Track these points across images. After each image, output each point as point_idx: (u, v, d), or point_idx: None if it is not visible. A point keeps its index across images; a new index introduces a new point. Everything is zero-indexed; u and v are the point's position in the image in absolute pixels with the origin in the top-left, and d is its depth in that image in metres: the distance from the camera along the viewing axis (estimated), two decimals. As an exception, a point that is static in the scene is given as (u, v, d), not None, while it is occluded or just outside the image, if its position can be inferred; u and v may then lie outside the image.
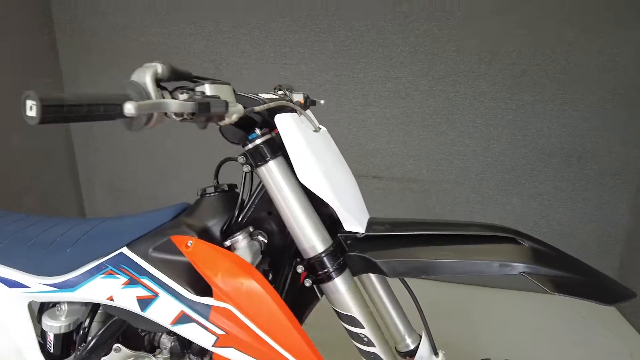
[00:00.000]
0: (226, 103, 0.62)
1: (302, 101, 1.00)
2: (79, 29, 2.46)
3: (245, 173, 0.81)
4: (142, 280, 0.77)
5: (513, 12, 1.94)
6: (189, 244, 0.75)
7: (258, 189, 0.84)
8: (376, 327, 0.78)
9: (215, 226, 0.81)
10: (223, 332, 0.72)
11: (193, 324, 0.74)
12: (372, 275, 0.90)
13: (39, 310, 0.93)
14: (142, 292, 0.77)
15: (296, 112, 0.78)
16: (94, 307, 0.91)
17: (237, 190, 0.87)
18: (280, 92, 1.00)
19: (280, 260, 0.85)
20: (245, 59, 2.27)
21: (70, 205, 2.67)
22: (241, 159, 0.78)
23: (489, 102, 2.06)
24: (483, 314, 2.03)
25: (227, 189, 0.86)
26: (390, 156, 2.23)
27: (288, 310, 0.70)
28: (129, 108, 0.52)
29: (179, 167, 2.53)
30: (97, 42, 2.45)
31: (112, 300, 0.79)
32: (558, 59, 1.96)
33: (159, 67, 0.61)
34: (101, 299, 0.81)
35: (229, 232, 0.82)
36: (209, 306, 0.73)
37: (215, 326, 0.72)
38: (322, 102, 1.13)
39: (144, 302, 0.77)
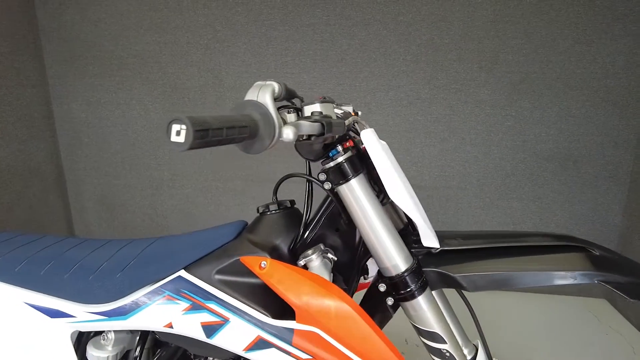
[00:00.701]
0: (344, 122, 0.61)
1: (353, 113, 0.99)
2: (67, 37, 2.36)
3: (309, 190, 0.80)
4: (207, 305, 0.74)
5: (511, 23, 2.00)
6: (262, 265, 0.72)
7: (325, 205, 0.82)
8: (456, 343, 0.78)
9: (283, 245, 0.78)
10: (309, 357, 0.70)
11: (273, 350, 0.71)
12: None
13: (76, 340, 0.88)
14: (208, 318, 0.73)
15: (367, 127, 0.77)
16: (143, 334, 0.87)
17: (295, 206, 0.85)
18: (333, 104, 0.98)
19: (347, 278, 0.84)
20: (245, 67, 2.24)
21: (59, 221, 2.54)
22: (322, 177, 0.76)
23: (489, 109, 2.11)
24: (481, 315, 2.07)
25: (289, 205, 0.84)
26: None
27: (380, 331, 0.69)
28: (288, 133, 0.50)
29: (174, 179, 2.46)
30: (87, 52, 2.36)
31: (170, 327, 0.75)
32: (554, 67, 2.03)
33: (276, 87, 0.59)
34: (158, 326, 0.76)
35: (293, 250, 0.80)
36: (291, 330, 0.70)
37: (300, 350, 0.70)
38: (359, 113, 1.13)
39: (211, 329, 0.73)
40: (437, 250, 0.78)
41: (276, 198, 0.86)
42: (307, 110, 0.65)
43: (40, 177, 2.41)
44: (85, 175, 2.55)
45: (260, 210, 0.83)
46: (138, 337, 0.86)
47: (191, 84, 2.30)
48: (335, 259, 0.80)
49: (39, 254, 0.86)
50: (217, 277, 0.75)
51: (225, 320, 0.73)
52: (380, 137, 2.18)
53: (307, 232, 0.81)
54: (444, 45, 2.07)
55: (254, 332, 0.71)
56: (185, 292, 0.75)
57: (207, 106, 2.31)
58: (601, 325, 2.03)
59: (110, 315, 0.78)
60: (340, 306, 0.68)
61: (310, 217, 0.82)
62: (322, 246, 0.79)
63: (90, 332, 0.86)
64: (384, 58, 2.13)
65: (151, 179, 2.47)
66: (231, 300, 0.73)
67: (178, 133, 0.45)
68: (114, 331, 0.83)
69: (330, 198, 0.81)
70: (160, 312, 0.76)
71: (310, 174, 0.83)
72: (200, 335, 0.74)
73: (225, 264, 0.76)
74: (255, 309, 0.72)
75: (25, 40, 2.28)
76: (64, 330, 0.81)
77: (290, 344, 0.70)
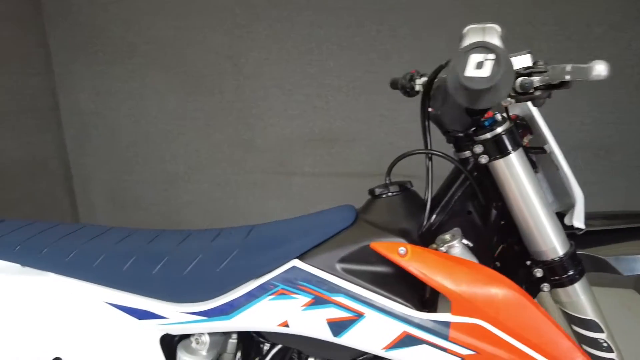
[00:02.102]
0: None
1: None
2: (74, 22, 2.21)
3: (429, 168, 0.72)
4: (334, 299, 0.64)
5: (543, 9, 1.93)
6: (401, 251, 0.63)
7: (456, 186, 0.74)
8: (611, 332, 0.71)
9: (412, 229, 0.69)
10: (472, 352, 0.61)
11: (424, 347, 0.62)
12: None
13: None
14: (337, 314, 0.64)
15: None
16: (241, 336, 0.77)
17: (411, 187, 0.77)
18: None
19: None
20: (266, 54, 2.13)
21: (66, 219, 2.40)
22: (478, 149, 0.67)
23: (522, 97, 2.04)
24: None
25: (409, 186, 0.76)
26: (423, 155, 2.16)
27: (556, 322, 0.61)
28: (601, 69, 0.44)
29: (190, 173, 2.34)
30: (96, 38, 2.22)
31: (286, 326, 0.66)
32: (587, 54, 1.97)
33: (499, 28, 0.52)
34: (270, 326, 0.67)
35: (421, 235, 0.71)
36: (447, 323, 0.62)
37: (460, 346, 0.61)
38: None
39: (339, 326, 0.64)
40: (581, 232, 0.70)
41: (390, 179, 0.77)
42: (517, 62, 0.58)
43: (47, 172, 2.27)
44: (94, 170, 2.41)
45: (377, 193, 0.74)
46: (235, 340, 0.76)
47: (208, 72, 2.18)
48: (471, 244, 0.71)
49: (116, 247, 0.76)
50: (342, 266, 0.67)
51: (359, 315, 0.64)
52: (412, 127, 2.10)
53: (434, 216, 0.72)
54: (477, 31, 1.99)
55: (398, 328, 0.62)
56: (304, 284, 0.66)
57: (226, 95, 2.20)
58: (633, 316, 1.99)
59: (209, 315, 0.69)
60: (510, 294, 0.60)
61: (432, 198, 0.73)
62: (459, 231, 0.70)
63: (175, 335, 0.76)
64: (414, 44, 2.04)
65: (165, 174, 2.35)
66: (365, 292, 0.64)
67: (480, 65, 0.36)
68: (209, 333, 0.73)
69: (462, 177, 0.73)
70: (273, 309, 0.66)
71: (430, 148, 0.74)
72: (325, 334, 0.65)
73: (350, 251, 0.67)
74: (396, 301, 0.64)
75: (29, 26, 2.13)
76: (153, 333, 0.71)
77: (446, 339, 0.61)
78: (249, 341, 0.78)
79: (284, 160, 2.26)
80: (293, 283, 0.66)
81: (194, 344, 0.74)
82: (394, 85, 1.07)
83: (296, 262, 0.68)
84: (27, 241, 0.77)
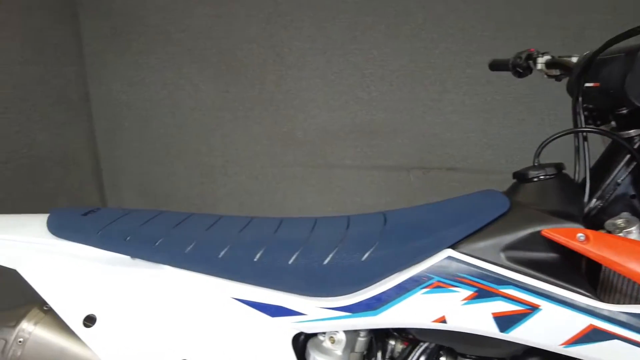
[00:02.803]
0: None
1: None
2: (107, 10, 2.13)
3: (585, 148, 0.67)
4: (502, 291, 0.59)
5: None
6: (580, 237, 0.58)
7: (619, 167, 0.69)
8: None
9: (578, 213, 0.64)
10: None
11: (615, 342, 0.56)
12: None
13: None
14: (505, 307, 0.59)
15: None
16: (378, 333, 0.71)
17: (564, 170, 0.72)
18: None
19: None
20: (309, 43, 2.07)
21: (95, 214, 2.33)
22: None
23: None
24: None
25: (562, 168, 0.71)
26: (467, 146, 2.12)
27: None
28: None
29: (227, 166, 2.27)
30: (130, 26, 2.14)
31: (442, 322, 0.61)
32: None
33: None
34: (424, 322, 0.61)
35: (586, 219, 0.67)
36: None
37: None
38: None
39: (508, 320, 0.59)
40: None
41: (539, 160, 0.72)
42: None
43: (78, 165, 2.19)
44: (124, 164, 2.34)
45: (531, 176, 0.69)
46: (364, 338, 0.70)
47: (248, 62, 2.12)
48: None
49: (241, 237, 0.70)
50: (507, 255, 0.61)
51: (534, 309, 0.58)
52: (456, 118, 2.05)
53: (594, 200, 0.68)
54: (525, 21, 1.95)
55: (582, 321, 0.57)
56: (464, 276, 0.60)
57: (266, 86, 2.13)
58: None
59: (354, 310, 0.63)
60: None
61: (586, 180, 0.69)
62: (630, 215, 0.65)
63: (302, 333, 0.70)
64: (461, 33, 2.00)
65: (201, 166, 2.28)
66: (538, 283, 0.59)
67: None
68: (344, 331, 0.67)
69: (625, 157, 0.68)
70: (428, 304, 0.61)
71: (581, 126, 0.69)
72: (491, 330, 0.59)
73: (517, 239, 0.61)
74: (577, 292, 0.58)
75: (62, 14, 2.05)
76: (286, 332, 0.65)
77: None
78: (380, 339, 0.72)
79: (324, 152, 2.20)
80: (451, 275, 0.61)
81: (326, 343, 0.67)
82: (497, 66, 1.02)
83: (450, 252, 0.62)
84: (136, 231, 0.71)
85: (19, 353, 0.70)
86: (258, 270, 0.66)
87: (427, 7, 1.98)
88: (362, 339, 0.70)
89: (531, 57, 0.84)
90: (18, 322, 0.72)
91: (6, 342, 0.70)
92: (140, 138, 2.28)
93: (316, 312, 0.64)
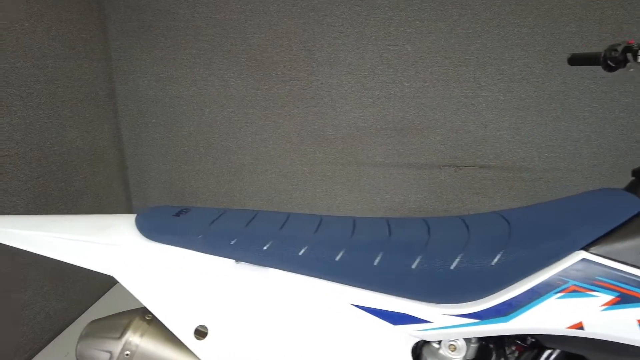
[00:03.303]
0: None
1: None
2: (135, 5, 2.10)
3: None
4: None
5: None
6: None
7: None
8: None
9: None
10: None
11: None
12: None
13: None
14: None
15: None
16: (497, 340, 0.68)
17: None
18: None
19: None
20: (343, 39, 2.04)
21: (120, 211, 2.29)
22: None
23: (606, 85, 1.99)
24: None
25: None
26: (500, 144, 2.10)
27: None
28: None
29: (256, 164, 2.24)
30: (158, 21, 2.10)
31: (579, 328, 0.58)
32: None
33: None
34: (559, 327, 0.59)
35: None
36: None
37: None
38: None
39: None
40: None
41: None
42: None
43: (105, 162, 2.15)
44: (150, 161, 2.30)
45: None
46: (476, 344, 0.67)
47: (280, 58, 2.09)
48: None
49: (356, 240, 0.66)
50: None
51: None
52: (490, 115, 2.02)
53: None
54: (563, 16, 1.93)
55: None
56: (603, 279, 0.58)
57: (297, 83, 2.11)
58: None
59: (483, 317, 0.60)
60: None
61: None
62: None
63: (419, 341, 0.67)
64: (497, 30, 1.98)
65: (230, 164, 2.25)
66: None
67: None
68: (465, 338, 0.64)
69: None
70: (563, 309, 0.58)
71: None
72: (635, 337, 0.57)
73: None
74: None
75: (89, 8, 2.01)
76: (407, 340, 0.62)
77: None
78: (497, 345, 0.69)
79: (355, 150, 2.18)
80: (588, 278, 0.58)
81: (444, 350, 0.64)
82: (579, 60, 0.99)
83: (584, 254, 0.60)
84: (242, 233, 0.67)
85: None
86: (378, 275, 0.62)
87: (463, 3, 1.95)
88: (473, 345, 0.67)
89: (630, 50, 0.80)
90: (122, 333, 0.68)
91: (111, 354, 0.66)
92: (167, 135, 2.24)
93: (442, 320, 0.61)
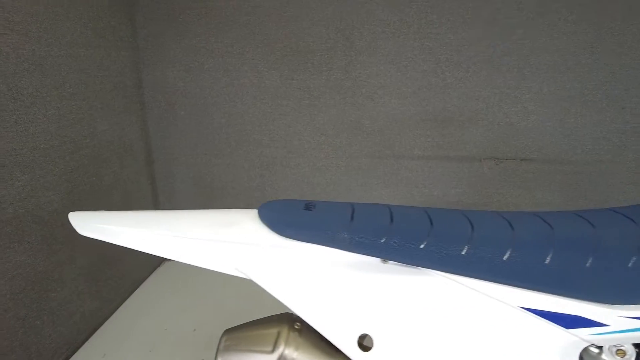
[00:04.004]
0: None
1: None
2: (165, -9, 2.01)
3: None
4: None
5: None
6: None
7: None
8: None
9: None
10: None
11: None
12: None
13: None
14: None
15: None
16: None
17: None
18: None
19: None
20: (382, 27, 1.97)
21: (148, 208, 2.21)
22: None
23: (654, 75, 1.94)
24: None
25: None
26: (543, 136, 2.04)
27: None
28: None
29: (289, 157, 2.17)
30: (189, 8, 2.02)
31: None
32: None
33: None
34: None
35: None
36: None
37: None
38: None
39: None
40: None
41: None
42: None
43: (133, 156, 2.07)
44: (178, 155, 2.22)
45: None
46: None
47: (316, 47, 2.01)
48: None
49: (518, 238, 0.59)
50: None
51: None
52: (533, 106, 1.96)
53: None
54: (612, 4, 1.87)
55: None
56: None
57: (334, 72, 2.03)
58: None
59: None
60: None
61: None
62: None
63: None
64: (542, 18, 1.91)
65: (262, 157, 2.18)
66: None
67: None
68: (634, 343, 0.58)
69: None
70: None
71: None
72: None
73: None
74: None
75: (118, -7, 1.92)
76: (578, 345, 0.56)
77: None
78: None
79: (392, 142, 2.11)
80: None
81: (609, 356, 0.58)
82: None
83: None
84: (391, 231, 0.59)
85: None
86: (550, 274, 0.56)
87: (508, -10, 1.89)
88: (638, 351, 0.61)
89: None
90: (275, 346, 0.60)
91: None
92: (196, 128, 2.16)
93: (620, 323, 0.55)
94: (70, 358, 1.64)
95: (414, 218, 0.63)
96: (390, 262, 0.60)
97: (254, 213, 0.67)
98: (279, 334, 0.61)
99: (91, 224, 0.59)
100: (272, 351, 0.60)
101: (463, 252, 0.57)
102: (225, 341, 0.63)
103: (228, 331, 0.65)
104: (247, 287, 2.10)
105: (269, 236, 0.60)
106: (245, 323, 0.66)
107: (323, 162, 2.16)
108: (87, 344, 1.73)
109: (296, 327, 0.63)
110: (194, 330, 1.79)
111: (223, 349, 0.62)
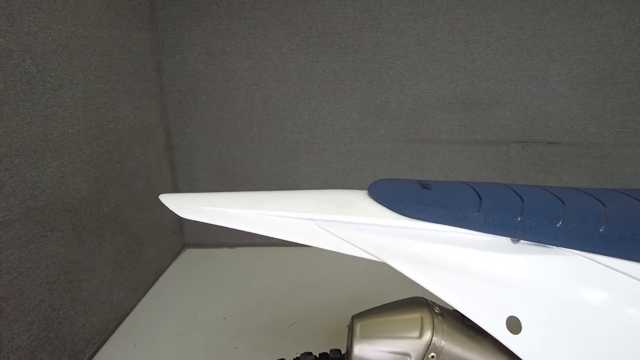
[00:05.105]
0: None
1: None
2: (186, -30, 1.93)
3: None
4: None
5: None
6: None
7: None
8: None
9: None
10: None
11: None
12: None
13: None
14: None
15: None
16: None
17: None
18: None
19: None
20: (411, 8, 1.91)
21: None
22: None
23: (684, 56, 1.91)
24: None
25: None
26: (571, 119, 2.02)
27: None
28: None
29: (313, 142, 2.13)
30: (210, -13, 1.95)
31: None
32: None
33: None
34: None
35: None
36: None
37: None
38: None
39: None
40: None
41: None
42: None
43: (154, 142, 2.01)
44: (199, 141, 2.17)
45: None
46: None
47: (343, 28, 1.96)
48: None
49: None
50: None
51: None
52: (562, 89, 1.93)
53: None
54: (644, -17, 1.84)
55: None
56: None
57: (360, 54, 1.98)
58: None
59: None
60: None
61: None
62: None
63: None
64: (574, -3, 1.87)
65: (285, 143, 2.13)
66: None
67: None
68: None
69: None
70: None
71: None
72: None
73: None
74: None
75: (138, -28, 1.84)
76: None
77: None
78: None
79: (419, 126, 2.07)
80: None
81: None
82: None
83: None
84: (524, 209, 0.56)
85: None
86: None
87: (541, -31, 1.84)
88: None
89: None
90: (421, 332, 0.57)
91: (410, 357, 0.56)
92: (218, 113, 2.11)
93: None
94: (101, 348, 1.60)
95: (540, 196, 0.60)
96: (522, 241, 0.57)
97: (362, 193, 0.63)
98: (422, 320, 0.58)
99: (193, 207, 0.55)
100: (420, 337, 0.56)
101: (602, 230, 0.54)
102: (361, 327, 0.59)
103: (359, 317, 0.61)
104: (269, 275, 2.07)
105: (394, 216, 0.57)
106: (375, 308, 0.63)
107: (347, 146, 2.12)
108: (116, 334, 1.69)
109: (436, 310, 0.60)
110: (224, 318, 1.76)
111: (360, 336, 0.58)
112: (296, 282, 1.99)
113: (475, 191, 0.61)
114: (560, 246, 0.56)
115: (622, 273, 0.55)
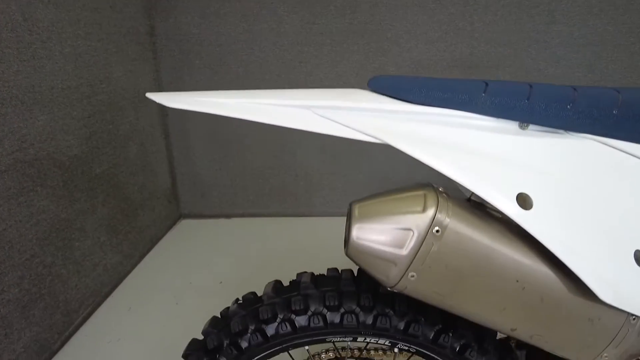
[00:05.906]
0: None
1: None
2: None
3: None
4: None
5: None
6: None
7: None
8: None
9: None
10: None
11: None
12: None
13: None
14: None
15: None
16: None
17: None
18: None
19: None
20: (409, -33, 1.87)
21: (162, 164, 2.13)
22: None
23: (687, 16, 1.88)
24: None
25: None
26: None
27: None
28: None
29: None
30: (203, -54, 1.89)
31: None
32: None
33: None
34: None
35: None
36: None
37: None
38: None
39: None
40: None
41: None
42: None
43: (147, 107, 1.98)
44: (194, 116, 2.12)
45: None
46: None
47: (339, -11, 1.91)
48: None
49: None
50: None
51: None
52: (563, 51, 1.89)
53: None
54: (648, -60, 1.80)
55: None
56: None
57: (358, 16, 1.94)
58: None
59: None
60: None
61: None
62: None
63: None
64: (576, -45, 1.83)
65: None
66: None
67: None
68: None
69: None
70: None
71: None
72: None
73: None
74: None
75: None
76: None
77: None
78: None
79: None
80: None
81: None
82: None
83: None
84: (532, 92, 0.53)
85: (435, 247, 0.53)
86: None
87: None
88: None
89: None
90: (425, 206, 0.54)
91: (413, 232, 0.53)
92: (212, 78, 2.07)
93: None
94: (96, 310, 1.58)
95: (549, 85, 0.57)
96: (531, 126, 0.54)
97: (362, 90, 0.60)
98: (426, 196, 0.55)
99: (181, 97, 0.52)
100: (423, 211, 0.54)
101: (615, 112, 0.51)
102: (359, 208, 0.56)
103: (357, 201, 0.58)
104: (266, 243, 2.04)
105: (397, 102, 0.54)
106: (376, 193, 0.59)
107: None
108: (111, 297, 1.67)
109: (441, 190, 0.57)
110: (220, 282, 1.75)
111: (359, 216, 0.55)
112: (293, 249, 1.97)
113: (482, 80, 0.59)
114: (571, 130, 0.54)
115: (636, 157, 0.53)
